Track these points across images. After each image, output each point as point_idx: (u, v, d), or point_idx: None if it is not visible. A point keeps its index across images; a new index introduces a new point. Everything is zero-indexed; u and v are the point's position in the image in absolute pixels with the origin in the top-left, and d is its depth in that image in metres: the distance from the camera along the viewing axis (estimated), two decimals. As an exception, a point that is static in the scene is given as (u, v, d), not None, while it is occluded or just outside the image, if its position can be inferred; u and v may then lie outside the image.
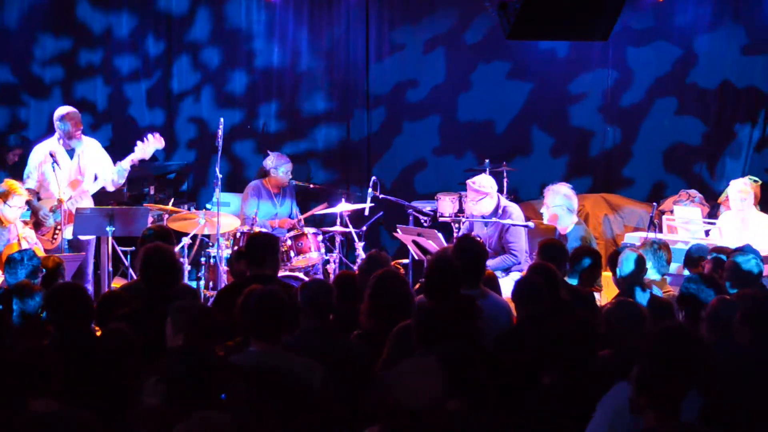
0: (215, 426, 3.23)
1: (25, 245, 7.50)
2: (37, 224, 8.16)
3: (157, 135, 8.34)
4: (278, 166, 9.40)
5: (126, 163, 8.24)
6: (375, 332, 5.09)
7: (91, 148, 8.39)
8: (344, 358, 4.73)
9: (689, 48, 10.89)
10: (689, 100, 10.96)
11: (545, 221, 7.92)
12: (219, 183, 8.47)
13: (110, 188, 8.39)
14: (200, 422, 3.24)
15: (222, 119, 8.69)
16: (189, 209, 9.62)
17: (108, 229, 7.81)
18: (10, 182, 7.82)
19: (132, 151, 8.28)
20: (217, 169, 8.46)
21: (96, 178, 8.32)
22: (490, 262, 7.75)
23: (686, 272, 6.75)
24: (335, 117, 11.33)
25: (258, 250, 5.95)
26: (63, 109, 8.31)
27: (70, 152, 8.27)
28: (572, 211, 7.79)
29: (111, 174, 8.26)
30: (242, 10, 11.25)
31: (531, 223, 7.98)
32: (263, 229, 8.82)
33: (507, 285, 6.78)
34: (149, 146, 8.26)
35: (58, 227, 8.09)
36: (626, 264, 6.12)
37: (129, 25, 11.25)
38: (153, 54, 11.30)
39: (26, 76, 11.22)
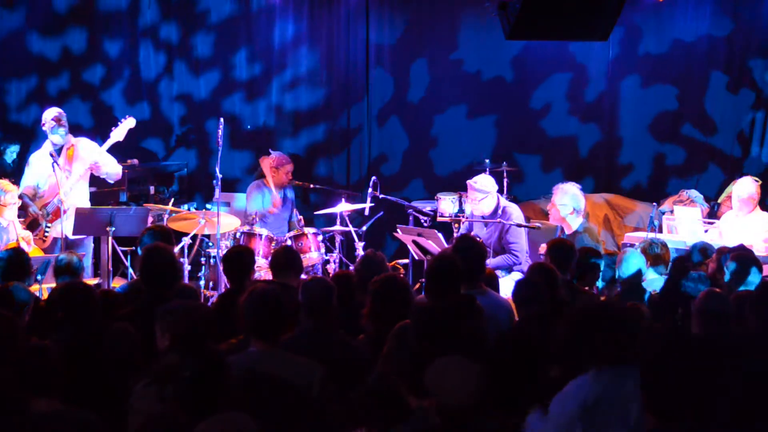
0: (238, 427, 3.23)
1: (24, 245, 7.52)
2: (31, 224, 8.22)
3: (128, 116, 8.63)
4: (279, 166, 9.41)
5: (103, 148, 8.47)
6: (378, 335, 5.08)
7: (84, 148, 8.44)
8: (343, 358, 4.73)
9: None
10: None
11: (551, 220, 7.92)
12: (219, 183, 8.47)
13: (111, 179, 8.67)
14: (222, 423, 3.24)
15: (222, 119, 8.69)
16: (189, 209, 9.62)
17: (108, 229, 7.82)
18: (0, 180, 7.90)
19: (108, 137, 8.51)
20: (217, 169, 8.47)
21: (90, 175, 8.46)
22: (491, 261, 7.77)
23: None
24: (335, 117, 11.32)
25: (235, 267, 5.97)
26: (50, 111, 8.46)
27: (58, 151, 8.34)
28: (579, 212, 7.79)
29: (112, 163, 8.51)
30: (242, 10, 11.25)
31: (538, 224, 7.98)
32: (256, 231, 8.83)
33: (507, 285, 6.78)
34: (122, 128, 8.50)
35: (48, 225, 8.16)
36: (626, 264, 6.13)
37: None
38: (153, 54, 11.30)
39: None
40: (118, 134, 8.53)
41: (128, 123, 8.59)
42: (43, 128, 8.41)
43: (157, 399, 3.79)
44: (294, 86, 11.30)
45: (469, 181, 8.28)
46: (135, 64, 11.23)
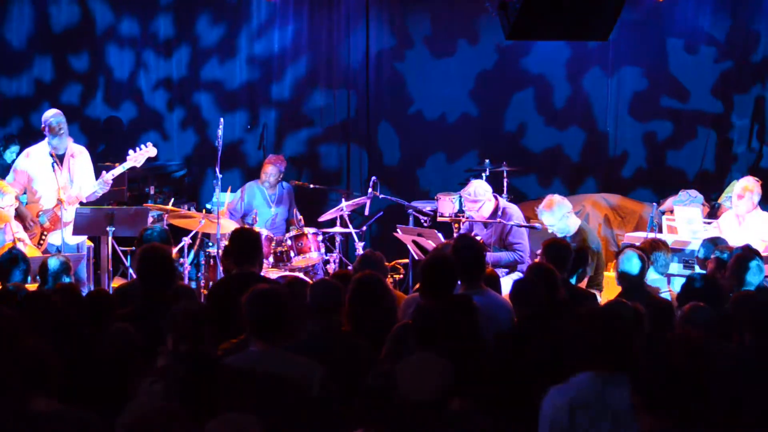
0: (245, 428, 3.24)
1: (21, 246, 7.52)
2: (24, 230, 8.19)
3: (150, 144, 8.39)
4: (265, 169, 9.47)
5: (109, 177, 8.22)
6: (357, 333, 5.06)
7: (81, 157, 8.38)
8: (347, 358, 4.72)
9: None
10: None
11: (560, 234, 7.87)
12: (219, 183, 8.47)
13: (83, 199, 8.27)
14: (230, 423, 3.25)
15: (222, 119, 8.69)
16: (189, 209, 9.63)
17: (108, 229, 7.81)
18: None
19: (124, 160, 8.31)
20: (217, 169, 8.47)
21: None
22: (495, 254, 7.79)
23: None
24: (335, 116, 11.33)
25: (241, 248, 5.93)
26: (51, 111, 8.35)
27: (60, 157, 8.24)
28: (568, 216, 7.78)
29: (91, 187, 8.23)
30: (242, 10, 11.26)
31: (538, 225, 7.98)
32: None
33: (507, 285, 6.78)
34: (141, 155, 8.30)
35: (45, 232, 8.11)
36: (627, 264, 6.12)
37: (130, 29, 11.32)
38: (152, 55, 11.32)
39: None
40: (136, 160, 8.29)
41: (149, 151, 8.31)
42: (43, 131, 8.27)
43: (162, 397, 3.80)
44: (294, 86, 11.31)
45: (462, 193, 8.31)
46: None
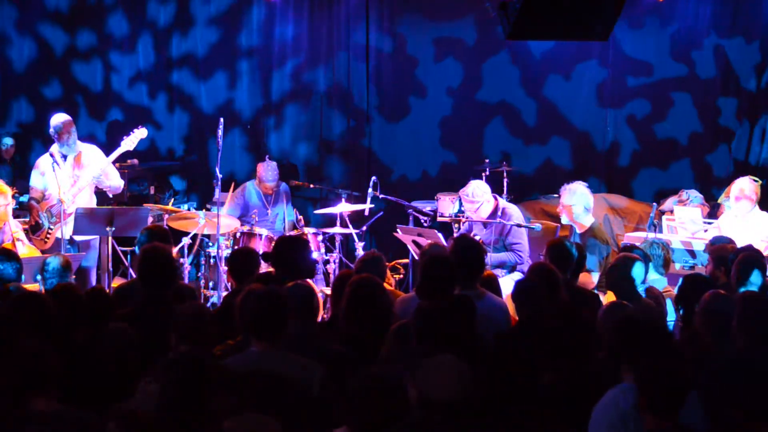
0: (264, 428, 3.24)
1: (19, 246, 7.52)
2: (33, 227, 8.23)
3: (141, 127, 8.60)
4: (262, 174, 9.46)
5: (107, 162, 8.38)
6: (355, 337, 5.06)
7: (90, 156, 8.43)
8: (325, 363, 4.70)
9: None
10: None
11: (563, 221, 7.91)
12: (219, 183, 8.47)
13: (111, 192, 8.62)
14: (249, 423, 3.25)
15: (222, 119, 8.69)
16: (189, 209, 9.63)
17: (108, 229, 7.82)
18: None
19: (118, 145, 8.45)
20: (217, 169, 8.47)
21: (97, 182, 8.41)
22: (494, 255, 7.79)
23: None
24: (335, 116, 11.32)
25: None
26: (55, 118, 8.41)
27: (63, 158, 8.31)
28: (589, 210, 7.81)
29: (117, 177, 8.48)
30: (242, 10, 11.26)
31: (538, 226, 7.98)
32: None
33: (507, 285, 6.78)
34: (133, 138, 8.46)
35: (51, 228, 8.16)
36: (635, 272, 6.08)
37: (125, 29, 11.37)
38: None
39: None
40: (128, 144, 8.46)
41: (140, 133, 8.53)
42: (52, 136, 8.36)
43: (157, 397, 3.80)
44: (294, 86, 11.32)
45: (461, 194, 8.30)
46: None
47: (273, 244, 6.23)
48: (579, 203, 7.78)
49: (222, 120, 8.65)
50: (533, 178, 11.12)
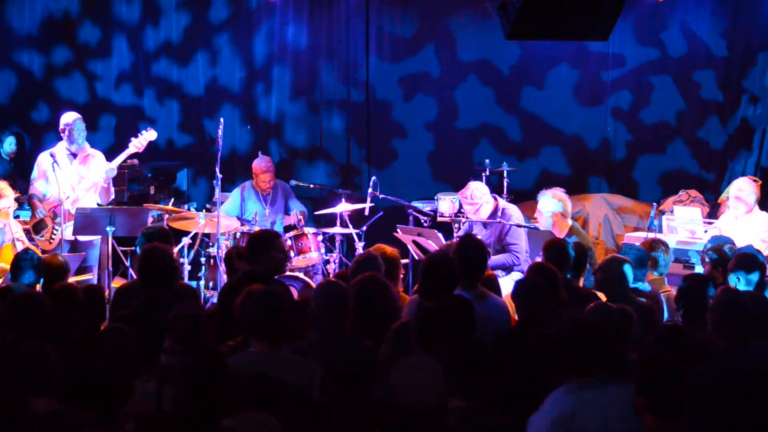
0: (265, 426, 3.23)
1: (19, 246, 7.52)
2: (37, 227, 8.23)
3: (150, 128, 8.54)
4: (256, 168, 9.46)
5: (114, 164, 8.36)
6: (360, 335, 5.05)
7: (97, 160, 8.44)
8: (359, 361, 4.70)
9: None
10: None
11: (541, 227, 7.89)
12: (219, 183, 8.47)
13: (101, 200, 8.44)
14: (249, 421, 3.24)
15: (222, 119, 8.69)
16: (189, 209, 9.62)
17: (108, 229, 7.83)
18: None
19: (126, 147, 8.40)
20: (217, 169, 8.47)
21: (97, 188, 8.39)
22: (491, 259, 7.79)
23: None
24: (335, 116, 11.33)
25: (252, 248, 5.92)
26: (66, 116, 8.42)
27: (71, 156, 8.33)
28: (566, 216, 7.80)
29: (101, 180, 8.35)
30: (273, 47, 11.27)
31: (538, 225, 7.98)
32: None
33: (507, 285, 6.78)
34: (142, 140, 8.41)
35: (56, 229, 8.15)
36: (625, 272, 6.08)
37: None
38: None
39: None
40: (137, 145, 8.41)
41: (149, 135, 8.47)
42: (62, 134, 8.38)
43: (155, 398, 3.79)
44: (294, 86, 11.32)
45: (460, 196, 8.30)
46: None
47: (246, 241, 6.21)
48: (554, 210, 7.76)
49: (222, 120, 8.65)
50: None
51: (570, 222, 7.86)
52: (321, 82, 11.27)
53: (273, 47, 11.27)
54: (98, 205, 8.42)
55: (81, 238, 8.16)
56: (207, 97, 11.39)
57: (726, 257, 6.38)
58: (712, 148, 10.92)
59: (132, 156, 8.65)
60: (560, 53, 10.99)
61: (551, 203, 7.78)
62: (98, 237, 8.24)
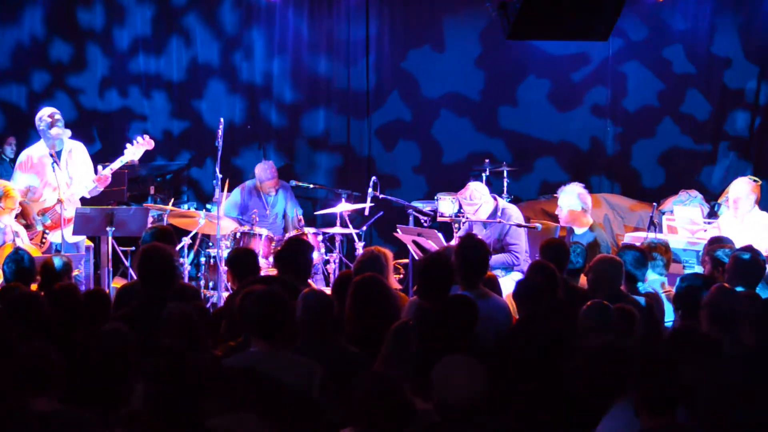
0: (247, 426, 3.24)
1: (18, 243, 7.50)
2: (26, 228, 8.17)
3: (147, 137, 8.34)
4: (260, 174, 9.45)
5: (107, 171, 8.18)
6: (361, 336, 5.06)
7: (78, 152, 8.33)
8: (342, 370, 4.68)
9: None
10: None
11: (561, 222, 7.93)
12: (219, 183, 8.47)
13: (85, 194, 8.22)
14: (233, 422, 3.25)
15: (222, 119, 8.69)
16: (189, 209, 9.63)
17: (108, 229, 7.80)
18: (4, 184, 7.84)
19: (122, 153, 8.25)
20: (217, 169, 8.46)
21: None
22: (492, 258, 7.79)
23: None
24: (335, 115, 11.33)
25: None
26: (42, 111, 8.28)
27: (57, 154, 8.16)
28: (587, 211, 7.82)
29: (90, 183, 8.18)
30: (242, 10, 11.26)
31: (539, 225, 7.98)
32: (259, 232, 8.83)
33: (507, 285, 6.79)
34: (139, 148, 8.23)
35: (46, 231, 8.08)
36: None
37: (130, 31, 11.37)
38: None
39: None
40: (132, 154, 8.21)
41: (146, 144, 8.23)
42: (39, 128, 8.18)
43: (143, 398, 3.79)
44: (294, 86, 11.32)
45: (459, 197, 8.31)
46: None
47: (281, 246, 6.21)
48: (576, 203, 7.77)
49: (222, 120, 8.64)
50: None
51: (590, 219, 7.87)
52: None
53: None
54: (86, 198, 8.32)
55: (70, 240, 8.06)
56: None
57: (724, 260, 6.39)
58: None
59: (127, 165, 8.53)
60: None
61: (571, 199, 7.81)
62: (83, 253, 8.10)
